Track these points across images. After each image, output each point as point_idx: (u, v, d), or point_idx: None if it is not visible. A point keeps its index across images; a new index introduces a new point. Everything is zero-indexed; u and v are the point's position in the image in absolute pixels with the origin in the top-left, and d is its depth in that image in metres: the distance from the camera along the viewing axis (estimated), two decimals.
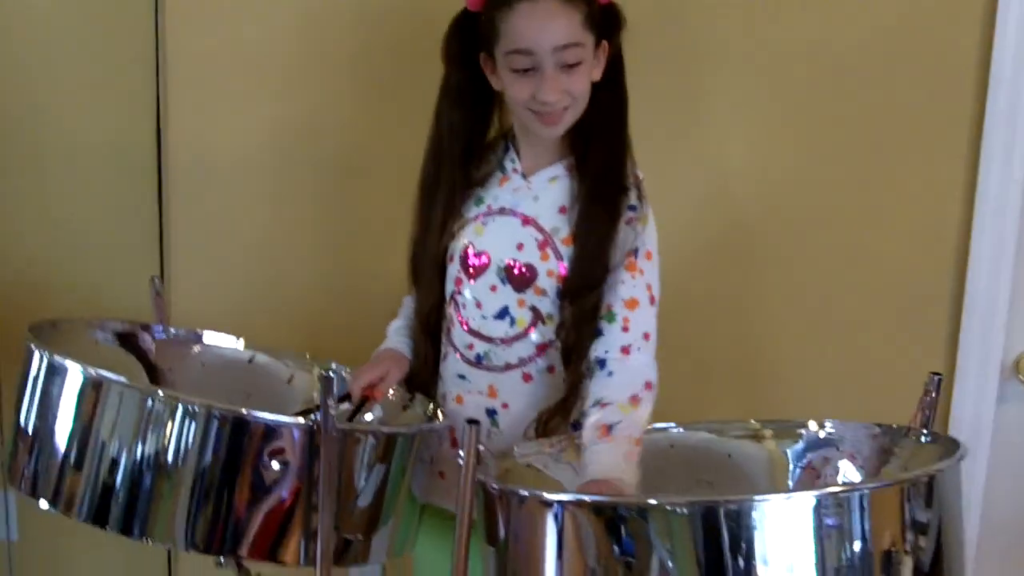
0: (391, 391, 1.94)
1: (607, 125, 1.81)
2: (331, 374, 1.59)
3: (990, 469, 2.19)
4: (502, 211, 1.84)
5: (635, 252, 1.79)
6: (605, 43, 1.78)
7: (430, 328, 1.91)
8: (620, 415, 1.70)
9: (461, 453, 1.54)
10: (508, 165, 1.86)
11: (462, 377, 1.87)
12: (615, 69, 1.81)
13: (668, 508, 1.41)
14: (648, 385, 1.75)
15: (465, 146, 1.85)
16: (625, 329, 1.76)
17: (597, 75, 1.77)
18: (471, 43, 1.80)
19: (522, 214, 1.83)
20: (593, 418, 1.70)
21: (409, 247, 1.92)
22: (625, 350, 1.76)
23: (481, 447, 1.55)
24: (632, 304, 1.77)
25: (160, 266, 2.44)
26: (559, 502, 1.48)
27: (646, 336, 1.77)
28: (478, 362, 1.85)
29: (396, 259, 1.95)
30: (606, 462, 1.64)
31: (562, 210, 1.82)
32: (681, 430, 1.88)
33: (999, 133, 2.06)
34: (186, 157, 2.43)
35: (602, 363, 1.76)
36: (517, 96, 1.75)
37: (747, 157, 2.22)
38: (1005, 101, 2.05)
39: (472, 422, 1.54)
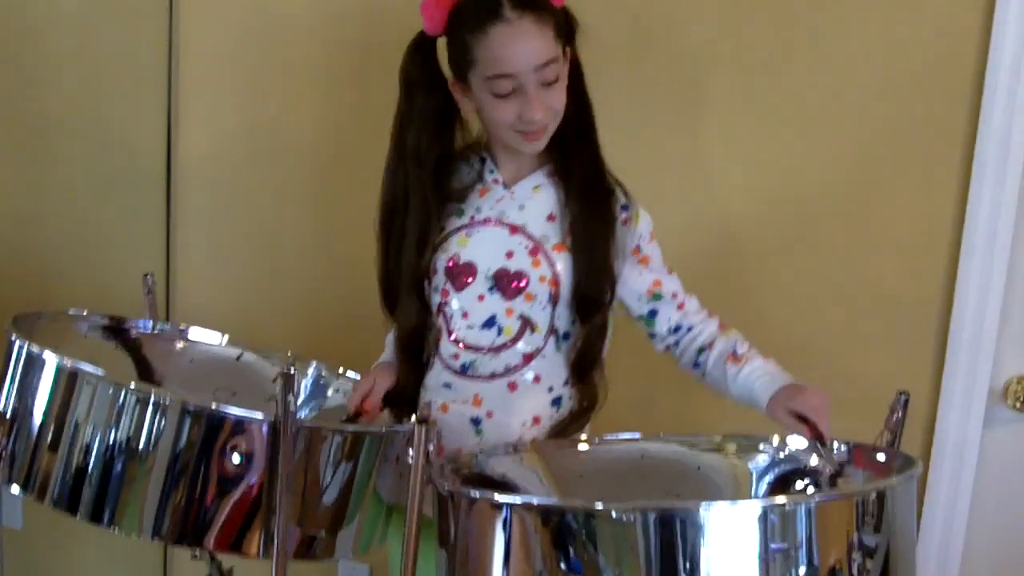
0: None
1: (578, 129, 1.83)
2: (292, 370, 1.63)
3: (975, 494, 2.16)
4: (486, 221, 1.85)
5: (638, 248, 1.87)
6: (568, 49, 1.79)
7: (412, 350, 1.90)
8: (728, 342, 1.85)
9: (411, 452, 1.57)
10: (488, 176, 1.87)
11: (447, 386, 1.88)
12: (575, 73, 1.82)
13: (614, 515, 1.41)
14: (713, 313, 1.91)
15: (434, 168, 1.84)
16: (674, 295, 1.89)
17: (565, 82, 1.79)
18: (431, 67, 1.82)
19: (509, 223, 1.84)
20: (711, 361, 1.85)
21: (380, 272, 1.91)
22: (680, 307, 1.89)
23: (431, 446, 1.57)
24: (658, 283, 1.88)
25: (166, 262, 2.49)
26: (508, 505, 1.49)
27: (683, 290, 1.91)
28: (463, 371, 1.86)
29: None
30: (772, 370, 1.80)
31: (550, 218, 1.84)
32: (651, 443, 1.87)
33: (991, 156, 2.03)
34: (194, 157, 2.49)
35: (675, 329, 1.89)
36: (501, 119, 1.76)
37: (737, 171, 2.22)
38: (998, 123, 2.01)
39: (422, 421, 1.57)
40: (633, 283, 1.88)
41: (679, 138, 2.23)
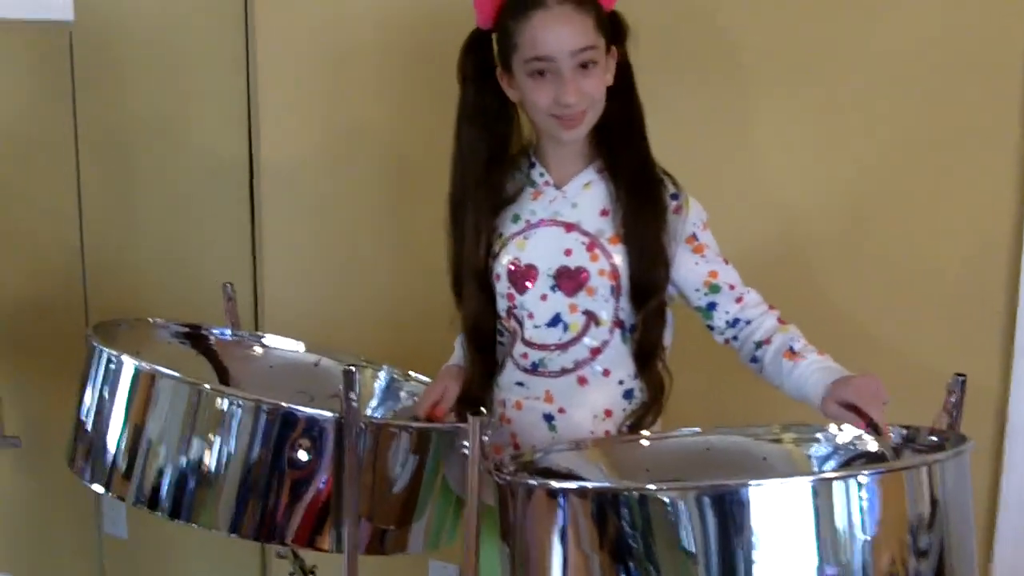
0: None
1: (626, 125, 1.88)
2: (353, 368, 1.68)
3: None
4: (541, 223, 1.90)
5: (694, 236, 1.90)
6: (614, 48, 1.84)
7: (477, 341, 1.95)
8: (785, 337, 1.85)
9: (466, 443, 1.61)
10: (538, 179, 1.92)
11: (520, 384, 1.92)
12: (625, 74, 1.87)
13: (667, 497, 1.42)
14: (773, 307, 1.90)
15: (485, 162, 1.90)
16: (731, 287, 1.90)
17: (610, 79, 1.84)
18: (485, 61, 1.88)
19: (564, 221, 1.89)
20: (768, 356, 1.85)
21: (450, 264, 1.98)
22: (739, 300, 1.90)
23: (486, 438, 1.61)
24: (715, 273, 1.89)
25: (252, 272, 2.57)
26: (564, 491, 1.51)
27: (742, 283, 1.91)
28: (533, 369, 1.91)
29: None
30: (827, 366, 1.78)
31: (603, 213, 1.88)
32: (715, 436, 1.89)
33: None
34: (276, 167, 2.56)
35: (733, 323, 1.90)
36: (539, 102, 1.81)
37: (795, 167, 2.23)
38: None
39: (477, 414, 1.61)
40: (690, 273, 1.89)
41: (735, 140, 2.25)
